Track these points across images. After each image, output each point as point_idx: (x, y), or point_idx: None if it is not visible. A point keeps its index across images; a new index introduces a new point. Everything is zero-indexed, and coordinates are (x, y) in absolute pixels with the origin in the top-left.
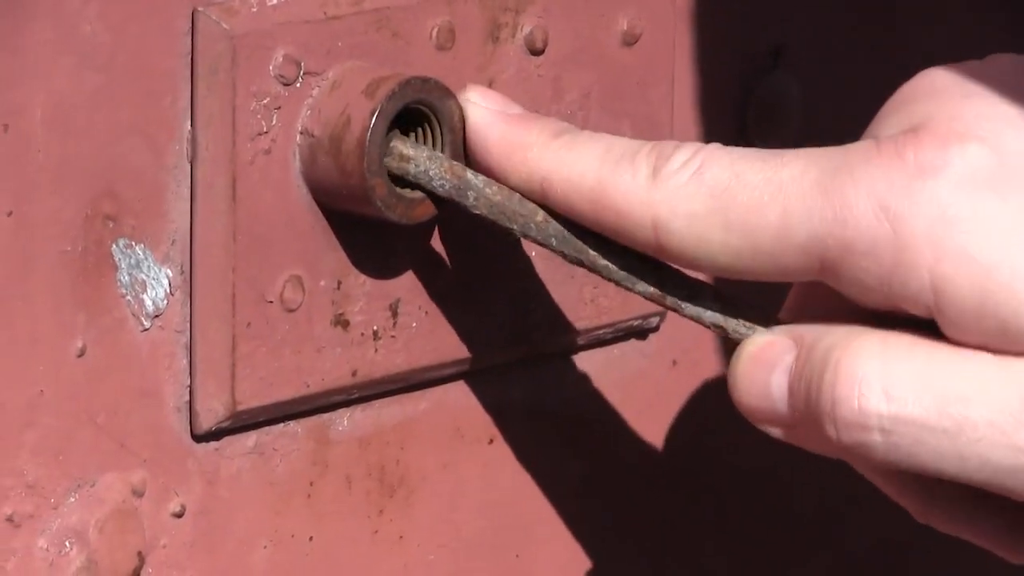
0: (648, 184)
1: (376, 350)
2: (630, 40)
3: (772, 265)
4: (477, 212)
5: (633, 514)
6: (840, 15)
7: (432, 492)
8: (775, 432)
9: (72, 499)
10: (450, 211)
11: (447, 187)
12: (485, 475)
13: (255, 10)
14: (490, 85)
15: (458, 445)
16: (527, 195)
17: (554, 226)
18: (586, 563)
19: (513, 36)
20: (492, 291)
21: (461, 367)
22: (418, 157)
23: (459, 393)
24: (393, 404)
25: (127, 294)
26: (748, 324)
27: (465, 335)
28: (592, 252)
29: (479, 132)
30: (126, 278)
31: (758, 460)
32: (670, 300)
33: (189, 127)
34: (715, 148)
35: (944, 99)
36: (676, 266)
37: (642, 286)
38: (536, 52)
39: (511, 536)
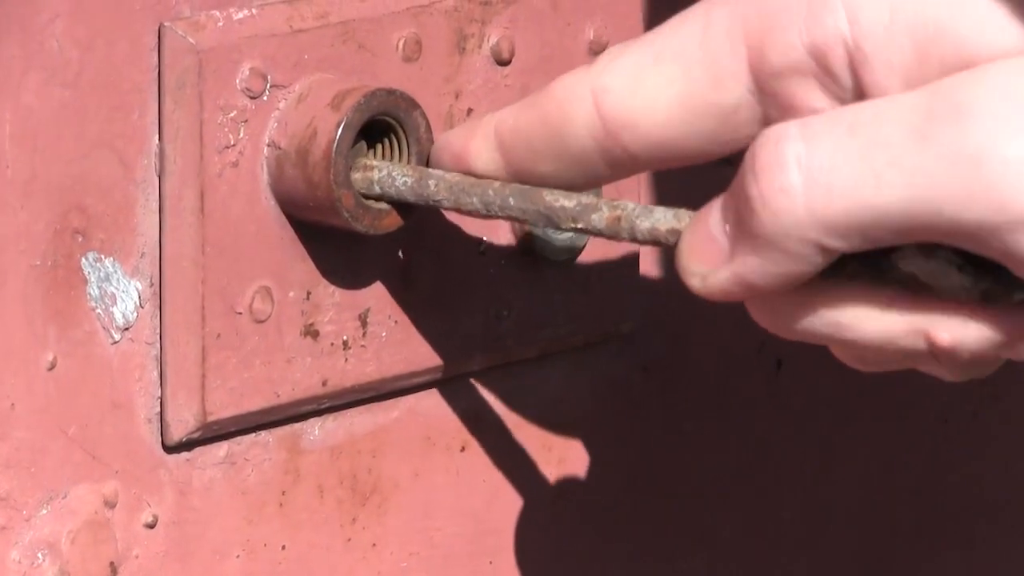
0: (583, 71)
1: (346, 360)
2: (597, 49)
3: (706, 75)
4: (439, 199)
5: (607, 520)
6: None
7: (405, 500)
8: (720, 278)
9: (44, 511)
10: (418, 220)
11: (410, 182)
12: (458, 483)
13: (221, 24)
14: (457, 96)
15: (430, 453)
16: (491, 173)
17: (511, 186)
18: (560, 570)
19: (480, 47)
20: (462, 299)
21: (432, 375)
22: (380, 164)
23: (431, 401)
24: (364, 413)
25: (97, 307)
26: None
27: (436, 343)
28: (547, 197)
29: (440, 139)
30: (96, 291)
31: (733, 464)
32: (624, 225)
33: (157, 141)
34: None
35: None
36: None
37: (596, 216)
38: (503, 62)
39: (485, 543)
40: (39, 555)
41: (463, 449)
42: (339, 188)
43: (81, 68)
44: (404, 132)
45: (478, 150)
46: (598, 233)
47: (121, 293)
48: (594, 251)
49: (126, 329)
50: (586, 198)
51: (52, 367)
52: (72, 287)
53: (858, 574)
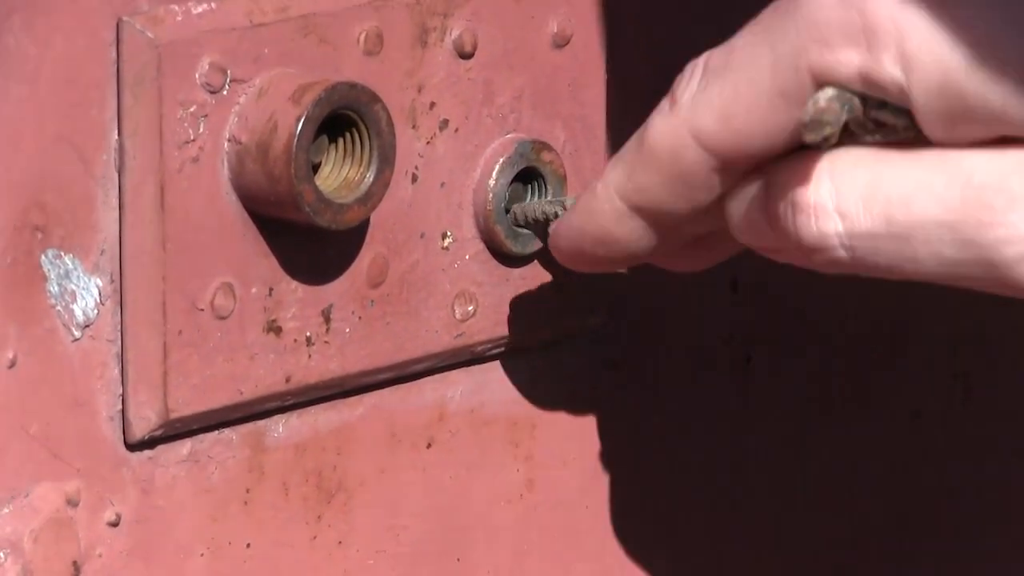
0: (672, 116)
1: (310, 356)
2: (560, 42)
3: (784, 105)
4: None
5: (574, 516)
6: None
7: (371, 497)
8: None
9: (6, 510)
10: (381, 215)
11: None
12: (424, 479)
13: (180, 19)
14: (420, 90)
15: (396, 450)
16: (642, 240)
17: None
18: (528, 567)
19: (442, 40)
20: (427, 294)
21: (397, 371)
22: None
23: (396, 397)
24: (329, 410)
25: (57, 304)
26: None
27: (400, 339)
28: None
29: (565, 230)
30: (56, 288)
31: (698, 458)
32: None
33: (116, 136)
34: (708, 53)
35: None
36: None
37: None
38: (466, 56)
39: (451, 540)
40: (1, 554)
41: (429, 446)
42: (300, 183)
43: (39, 64)
44: (366, 126)
45: (623, 230)
46: None
47: (81, 290)
48: None
49: (87, 326)
50: None
51: (12, 365)
52: (32, 284)
53: (829, 570)
